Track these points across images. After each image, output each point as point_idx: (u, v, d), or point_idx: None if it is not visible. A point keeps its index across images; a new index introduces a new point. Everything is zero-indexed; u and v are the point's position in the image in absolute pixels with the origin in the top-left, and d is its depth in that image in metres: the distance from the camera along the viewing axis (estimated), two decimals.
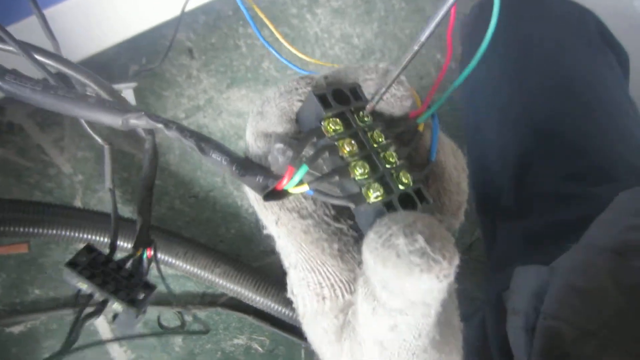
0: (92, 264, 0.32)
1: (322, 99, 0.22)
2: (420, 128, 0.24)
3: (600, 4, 0.77)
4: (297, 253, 0.25)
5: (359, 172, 0.21)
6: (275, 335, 0.89)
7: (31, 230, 0.76)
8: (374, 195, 0.21)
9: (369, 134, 0.23)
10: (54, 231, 0.78)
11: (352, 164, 0.21)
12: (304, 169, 0.20)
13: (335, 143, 0.21)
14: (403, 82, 0.24)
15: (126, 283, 0.32)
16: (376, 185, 0.21)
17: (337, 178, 0.21)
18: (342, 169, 0.21)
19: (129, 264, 0.35)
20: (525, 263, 0.57)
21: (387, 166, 0.22)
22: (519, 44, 0.73)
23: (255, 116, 0.24)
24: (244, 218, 0.94)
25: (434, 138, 0.25)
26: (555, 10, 0.76)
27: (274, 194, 0.21)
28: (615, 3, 0.96)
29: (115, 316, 0.32)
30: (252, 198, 0.25)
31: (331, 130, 0.22)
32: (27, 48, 0.33)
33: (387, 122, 0.24)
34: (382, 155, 0.22)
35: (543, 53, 0.71)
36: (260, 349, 0.91)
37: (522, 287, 0.56)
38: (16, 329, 0.84)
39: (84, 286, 0.31)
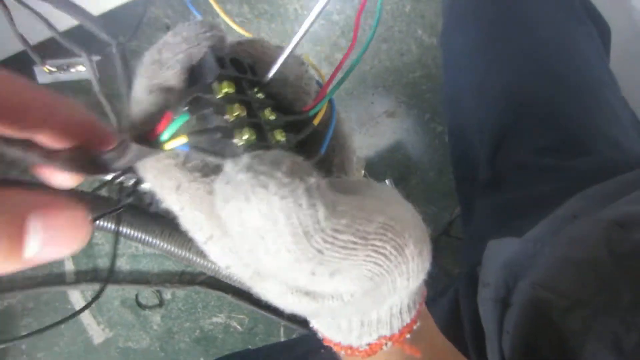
0: None
1: (220, 60, 0.20)
2: (315, 122, 0.23)
3: None
4: (208, 220, 0.21)
5: (244, 137, 0.19)
6: (254, 313, 0.89)
7: None
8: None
9: (262, 109, 0.21)
10: None
11: (238, 128, 0.19)
12: (184, 117, 0.18)
13: (224, 104, 0.20)
14: (302, 61, 0.23)
15: None
16: (279, 151, 0.19)
17: (219, 135, 0.19)
18: (227, 130, 0.19)
19: None
20: (498, 236, 0.57)
21: (274, 142, 0.21)
22: (496, 14, 0.72)
23: (151, 65, 0.20)
24: None
25: (329, 131, 0.23)
26: None
27: (145, 141, 0.19)
28: None
29: None
30: (142, 167, 0.21)
31: (223, 90, 0.20)
32: None
33: (284, 107, 0.23)
34: (271, 132, 0.21)
35: (520, 23, 0.70)
36: (239, 327, 0.91)
37: (493, 259, 0.56)
38: None
39: None
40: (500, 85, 0.70)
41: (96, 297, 0.81)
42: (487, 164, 0.72)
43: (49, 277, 0.86)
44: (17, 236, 0.15)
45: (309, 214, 0.17)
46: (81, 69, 0.59)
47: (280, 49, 0.23)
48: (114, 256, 0.83)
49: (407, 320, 0.25)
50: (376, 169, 0.96)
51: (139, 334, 0.87)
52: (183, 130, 0.18)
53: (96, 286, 0.86)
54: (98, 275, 0.87)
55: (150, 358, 0.87)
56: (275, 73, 0.22)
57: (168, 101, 0.20)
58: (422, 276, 0.23)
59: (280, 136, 0.21)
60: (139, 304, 0.88)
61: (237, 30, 0.27)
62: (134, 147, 0.18)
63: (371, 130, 0.97)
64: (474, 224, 0.73)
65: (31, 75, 0.70)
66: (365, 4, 0.21)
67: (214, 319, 0.90)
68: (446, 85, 0.81)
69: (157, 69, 0.20)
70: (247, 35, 0.27)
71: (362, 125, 0.97)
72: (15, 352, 0.84)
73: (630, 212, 0.43)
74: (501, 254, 0.55)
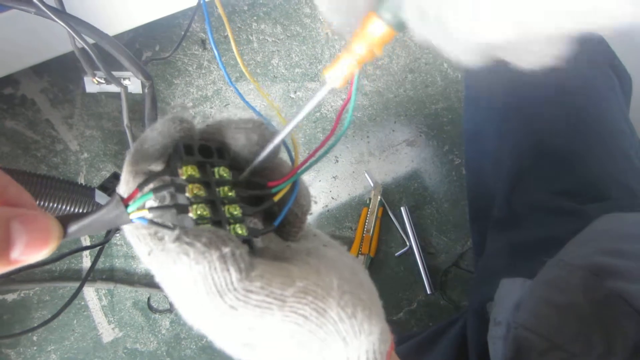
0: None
1: (188, 148, 0.25)
2: (276, 198, 0.26)
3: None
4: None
5: (198, 213, 0.23)
6: None
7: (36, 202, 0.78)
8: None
9: (221, 188, 0.25)
10: (56, 204, 0.80)
11: (195, 205, 0.23)
12: (148, 195, 0.22)
13: (186, 184, 0.24)
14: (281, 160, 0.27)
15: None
16: (209, 226, 0.23)
17: (174, 211, 0.23)
18: (183, 206, 0.23)
19: None
20: (511, 275, 0.58)
21: (228, 216, 0.24)
22: None
23: (135, 154, 0.24)
24: None
25: (284, 209, 0.27)
26: None
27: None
28: (626, 27, 0.96)
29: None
30: (126, 231, 0.25)
31: (187, 173, 0.24)
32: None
33: (255, 182, 0.27)
34: (226, 207, 0.25)
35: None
36: None
37: (505, 298, 0.57)
38: (9, 297, 0.86)
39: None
40: (520, 127, 0.72)
41: (89, 273, 0.82)
42: (503, 202, 0.73)
43: (67, 272, 0.88)
44: (4, 239, 0.19)
45: (222, 276, 0.21)
46: (127, 83, 0.62)
47: (249, 122, 0.27)
48: (97, 256, 0.85)
49: None
50: (392, 195, 0.98)
51: (148, 337, 0.89)
52: (149, 205, 0.23)
53: (111, 285, 0.88)
54: (114, 275, 0.89)
55: None
56: (240, 138, 0.26)
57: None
58: (363, 337, 0.24)
59: (234, 210, 0.25)
60: (150, 307, 0.89)
61: (249, 78, 0.30)
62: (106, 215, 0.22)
63: (390, 157, 0.99)
64: (486, 259, 0.75)
65: (79, 79, 0.73)
66: (348, 101, 0.24)
67: None
68: (467, 120, 0.83)
69: (140, 158, 0.25)
70: (254, 83, 0.31)
71: (382, 151, 0.99)
72: (27, 343, 0.86)
73: (604, 263, 0.45)
74: (512, 294, 0.56)
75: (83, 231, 0.21)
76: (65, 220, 0.21)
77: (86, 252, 0.89)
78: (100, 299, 0.89)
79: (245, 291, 0.21)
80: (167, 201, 0.24)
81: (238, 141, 0.26)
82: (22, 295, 0.87)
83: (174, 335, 0.90)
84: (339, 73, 0.22)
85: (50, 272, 0.88)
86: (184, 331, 0.90)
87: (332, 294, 0.24)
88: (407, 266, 0.95)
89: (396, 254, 0.95)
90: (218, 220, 0.24)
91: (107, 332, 0.88)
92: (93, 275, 0.89)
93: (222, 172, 0.25)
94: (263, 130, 0.27)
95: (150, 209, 0.22)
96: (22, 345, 0.86)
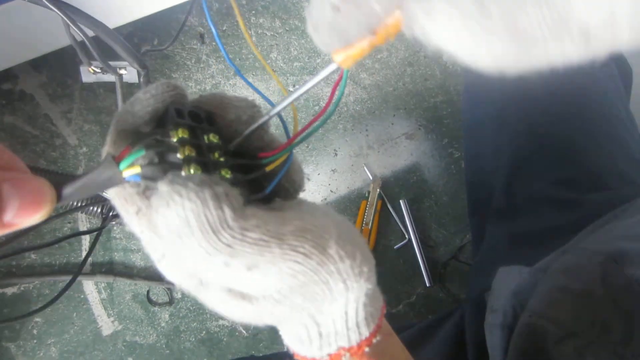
0: None
1: (179, 112, 0.24)
2: (268, 168, 0.26)
3: None
4: (161, 241, 0.24)
5: (191, 171, 0.23)
6: None
7: None
8: None
9: (212, 153, 0.25)
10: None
11: (186, 164, 0.23)
12: (140, 152, 0.22)
13: (177, 145, 0.23)
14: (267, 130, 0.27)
15: None
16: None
17: (168, 168, 0.23)
18: (176, 164, 0.23)
19: None
20: (509, 264, 0.58)
21: (218, 177, 0.24)
22: None
23: (124, 115, 0.24)
24: None
25: (276, 178, 0.26)
26: None
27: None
28: None
29: None
30: (111, 194, 0.25)
31: (178, 135, 0.23)
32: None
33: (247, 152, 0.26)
34: (218, 170, 0.24)
35: None
36: (244, 331, 0.92)
37: (502, 286, 0.57)
38: (9, 291, 0.87)
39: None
40: (519, 117, 0.72)
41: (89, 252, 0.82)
42: (502, 193, 0.73)
43: (67, 266, 0.88)
44: None
45: (216, 214, 0.20)
46: (123, 72, 0.62)
47: (238, 100, 0.26)
48: (90, 250, 0.86)
49: (365, 333, 0.26)
50: (391, 189, 0.98)
51: (147, 330, 0.89)
52: (140, 162, 0.22)
53: (110, 278, 0.88)
54: (113, 268, 0.89)
55: (155, 354, 0.89)
56: (230, 113, 0.26)
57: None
58: (363, 281, 0.24)
59: (225, 173, 0.24)
60: (150, 300, 0.90)
61: (256, 55, 0.30)
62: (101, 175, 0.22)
63: (389, 150, 0.99)
64: (485, 249, 0.74)
65: (77, 74, 0.74)
66: (339, 82, 0.24)
67: (221, 322, 0.91)
68: (466, 112, 0.83)
69: (129, 118, 0.24)
70: (262, 61, 0.30)
71: (381, 144, 0.99)
72: (27, 336, 0.86)
73: (624, 249, 0.45)
74: (510, 282, 0.56)
75: (77, 194, 0.21)
76: (58, 184, 0.21)
77: (85, 247, 0.89)
78: (99, 292, 0.89)
79: (241, 229, 0.21)
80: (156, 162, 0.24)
81: (227, 116, 0.26)
82: (22, 288, 0.87)
83: (174, 328, 0.90)
84: (348, 52, 0.21)
85: (49, 266, 0.88)
86: (183, 324, 0.90)
87: (330, 231, 0.23)
88: (406, 259, 0.95)
89: (395, 247, 0.95)
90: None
91: (107, 325, 0.89)
92: (92, 268, 0.89)
93: (212, 138, 0.25)
94: (255, 112, 0.26)
95: (144, 166, 0.22)
96: (22, 339, 0.86)
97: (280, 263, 0.22)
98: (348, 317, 0.26)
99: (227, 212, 0.21)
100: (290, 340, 0.28)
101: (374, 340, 0.27)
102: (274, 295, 0.23)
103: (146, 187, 0.24)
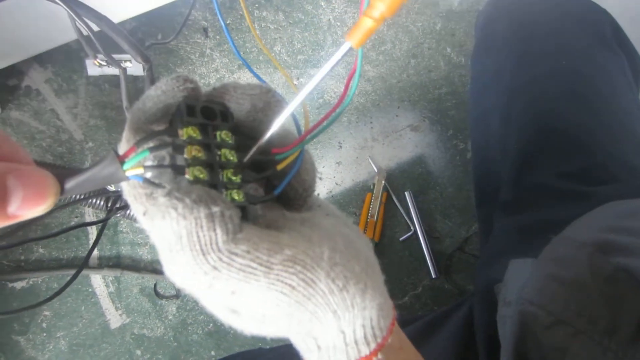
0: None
1: (190, 109, 0.24)
2: (280, 167, 0.26)
3: (617, 6, 0.76)
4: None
5: (195, 174, 0.23)
6: None
7: None
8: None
9: (222, 151, 0.24)
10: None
11: (192, 167, 0.23)
12: (144, 152, 0.22)
13: (185, 145, 0.23)
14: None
15: None
16: (200, 185, 0.23)
17: (170, 171, 0.23)
18: (180, 167, 0.23)
19: None
20: (517, 256, 0.58)
21: (225, 181, 0.24)
22: (528, 39, 0.73)
23: (136, 112, 0.24)
24: None
25: (287, 178, 0.26)
26: (569, 8, 0.75)
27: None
28: (634, 5, 0.95)
29: None
30: (124, 192, 0.25)
31: (187, 134, 0.23)
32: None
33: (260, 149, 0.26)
34: (225, 172, 0.24)
35: (551, 49, 0.71)
36: None
37: (515, 278, 0.57)
38: (19, 285, 0.88)
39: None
40: (528, 108, 0.71)
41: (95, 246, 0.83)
42: (510, 185, 0.72)
43: (74, 260, 0.89)
44: (1, 192, 0.18)
45: (208, 235, 0.21)
46: (128, 65, 0.62)
47: (256, 89, 0.26)
48: (95, 242, 0.86)
49: (365, 351, 0.26)
50: (396, 180, 0.98)
51: (155, 323, 0.90)
52: (144, 163, 0.22)
53: (117, 272, 0.89)
54: (121, 262, 0.90)
55: (163, 346, 0.90)
56: (245, 102, 0.26)
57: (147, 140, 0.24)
58: (356, 310, 0.24)
59: (233, 175, 0.24)
60: (157, 294, 0.90)
61: (261, 48, 0.29)
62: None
63: (394, 142, 0.99)
64: (493, 242, 0.74)
65: (82, 69, 0.74)
66: (354, 71, 0.23)
67: None
68: (473, 103, 0.83)
69: (142, 116, 0.24)
70: (268, 54, 0.30)
71: (386, 137, 0.99)
72: (36, 330, 0.87)
73: (611, 240, 0.45)
74: (523, 274, 0.56)
75: (80, 187, 0.21)
76: (61, 177, 0.21)
77: (92, 241, 0.90)
78: (107, 286, 0.90)
79: (229, 253, 0.21)
80: (166, 162, 0.24)
81: (242, 106, 0.26)
82: (30, 282, 0.88)
83: (181, 321, 0.91)
84: (358, 32, 0.21)
85: (57, 260, 0.89)
86: (190, 317, 0.91)
87: (322, 264, 0.23)
88: (412, 251, 0.96)
89: (400, 239, 0.95)
90: (214, 184, 0.23)
91: (115, 318, 0.89)
92: (100, 262, 0.90)
93: (224, 135, 0.25)
94: (270, 97, 0.26)
95: (146, 167, 0.22)
96: (32, 332, 0.87)
97: (266, 292, 0.22)
98: (345, 335, 0.25)
99: (219, 234, 0.21)
100: (297, 347, 0.28)
101: None
102: (257, 316, 0.23)
103: (153, 189, 0.24)
